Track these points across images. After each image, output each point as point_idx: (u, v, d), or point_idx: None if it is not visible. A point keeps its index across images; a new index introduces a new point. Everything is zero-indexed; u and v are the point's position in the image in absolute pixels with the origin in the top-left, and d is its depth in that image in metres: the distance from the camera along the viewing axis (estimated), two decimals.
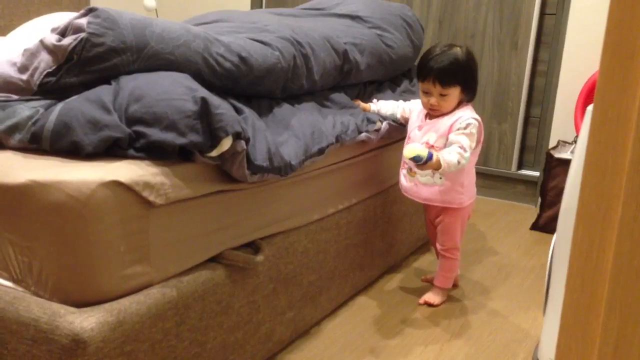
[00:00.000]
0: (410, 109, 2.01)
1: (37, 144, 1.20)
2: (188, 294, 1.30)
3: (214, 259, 1.40)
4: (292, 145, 1.51)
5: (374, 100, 2.06)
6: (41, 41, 1.25)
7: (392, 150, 2.15)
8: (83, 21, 1.24)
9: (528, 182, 3.18)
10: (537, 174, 3.12)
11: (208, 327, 1.38)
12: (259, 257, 1.44)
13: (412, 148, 1.70)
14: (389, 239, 2.22)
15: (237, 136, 1.27)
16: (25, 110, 1.21)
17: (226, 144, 1.24)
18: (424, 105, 1.88)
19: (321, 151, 1.61)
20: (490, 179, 3.28)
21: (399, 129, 2.06)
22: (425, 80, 1.84)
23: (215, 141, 1.23)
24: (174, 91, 1.22)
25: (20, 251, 1.17)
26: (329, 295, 1.89)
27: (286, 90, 1.70)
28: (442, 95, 1.82)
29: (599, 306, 0.68)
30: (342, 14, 2.23)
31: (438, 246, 2.03)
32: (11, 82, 1.26)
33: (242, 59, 1.49)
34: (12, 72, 1.26)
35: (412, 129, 1.93)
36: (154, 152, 1.22)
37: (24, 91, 1.26)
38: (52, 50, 1.24)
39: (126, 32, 1.27)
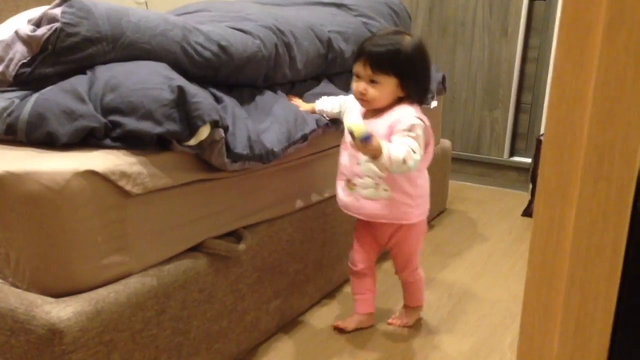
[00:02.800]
0: (347, 107, 1.69)
1: (13, 135, 1.20)
2: (169, 283, 1.30)
3: (196, 248, 1.40)
4: (274, 132, 1.51)
5: (323, 98, 1.80)
6: (16, 32, 1.25)
7: None
8: (57, 11, 1.24)
9: (520, 168, 3.18)
10: (529, 160, 3.11)
11: (191, 316, 1.38)
12: (241, 246, 1.45)
13: (358, 125, 1.41)
14: None
15: (215, 124, 1.27)
16: (0, 101, 1.21)
17: (204, 132, 1.24)
18: (354, 93, 1.58)
19: (304, 137, 1.61)
20: (482, 166, 3.28)
21: None
22: (357, 61, 1.55)
23: (192, 130, 1.22)
24: (150, 80, 1.22)
25: None
26: (317, 284, 1.90)
27: (268, 79, 1.70)
28: (372, 81, 1.53)
29: (560, 283, 0.68)
30: (327, 2, 2.23)
31: (400, 274, 1.77)
32: None
33: (221, 47, 1.49)
34: None
35: (347, 133, 1.60)
36: (131, 142, 1.22)
37: (0, 83, 1.26)
38: (26, 40, 1.23)
39: (101, 22, 1.26)
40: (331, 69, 2.00)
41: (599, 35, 0.62)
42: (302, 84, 1.87)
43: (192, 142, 1.23)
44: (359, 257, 1.75)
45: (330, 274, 1.97)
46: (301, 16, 1.92)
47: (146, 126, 1.20)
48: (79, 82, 1.22)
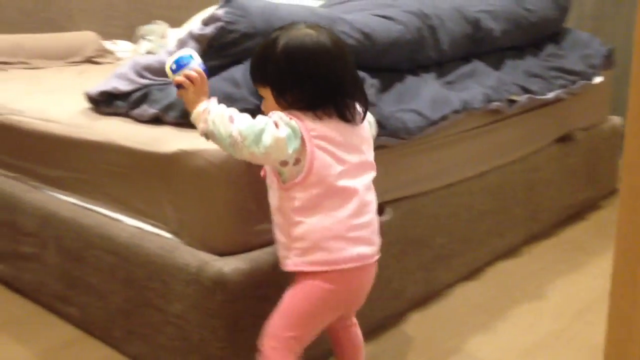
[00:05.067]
0: None
1: (187, 119, 1.42)
2: None
3: None
4: (412, 112, 1.60)
5: None
6: (189, 31, 1.47)
7: (533, 118, 2.13)
8: (221, 12, 1.44)
9: None
10: None
11: None
12: (383, 219, 1.56)
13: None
14: (532, 206, 2.21)
15: None
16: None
17: None
18: None
19: (444, 118, 1.67)
20: None
21: (536, 100, 2.02)
22: None
23: None
24: None
25: (176, 209, 1.41)
26: (464, 259, 1.95)
27: (413, 62, 1.78)
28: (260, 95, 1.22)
29: None
30: None
31: None
32: None
33: (364, 34, 1.60)
34: None
35: None
36: None
37: None
38: (197, 39, 1.45)
39: (256, 19, 1.44)
40: (481, 48, 2.02)
41: None
42: (449, 65, 1.92)
43: None
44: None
45: (478, 250, 2.01)
46: None
47: None
48: (236, 70, 1.42)
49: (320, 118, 1.15)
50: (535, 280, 1.97)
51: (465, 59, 1.99)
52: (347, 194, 1.16)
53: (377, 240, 1.24)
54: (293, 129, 1.11)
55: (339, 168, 1.15)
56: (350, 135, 1.18)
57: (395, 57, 1.71)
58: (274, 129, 1.11)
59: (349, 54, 1.19)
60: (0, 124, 1.86)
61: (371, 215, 1.21)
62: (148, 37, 2.91)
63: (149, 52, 2.76)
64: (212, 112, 1.14)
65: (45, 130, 1.69)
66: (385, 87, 1.67)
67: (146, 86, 1.53)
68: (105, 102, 1.61)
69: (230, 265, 1.31)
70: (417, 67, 1.82)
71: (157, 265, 1.41)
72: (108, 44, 3.07)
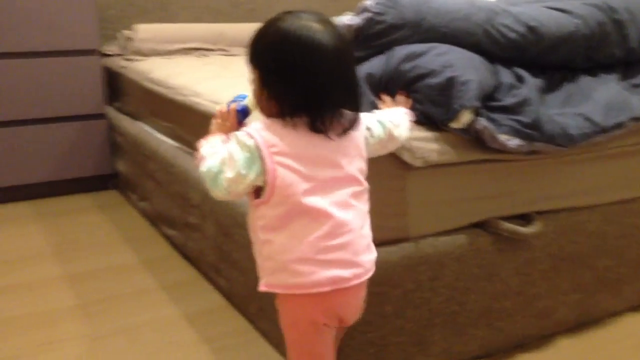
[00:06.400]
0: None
1: None
2: (444, 253, 1.38)
3: (479, 225, 1.44)
4: (578, 116, 1.43)
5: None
6: (339, 22, 1.48)
7: None
8: (370, 2, 1.42)
9: None
10: None
11: (468, 289, 1.44)
12: (527, 230, 1.43)
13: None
14: None
15: (476, 112, 1.29)
16: None
17: (464, 117, 1.26)
18: None
19: (618, 126, 1.47)
20: None
21: None
22: None
23: (451, 114, 1.27)
24: (431, 62, 1.30)
25: None
26: (636, 286, 1.71)
27: (591, 60, 1.59)
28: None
29: None
30: None
31: None
32: None
33: (530, 28, 1.47)
34: None
35: None
36: None
37: None
38: (345, 29, 1.45)
39: (405, 10, 1.40)
40: None
41: None
42: (639, 65, 1.68)
43: (454, 125, 1.28)
44: None
45: None
46: None
47: None
48: (376, 62, 1.39)
49: (288, 126, 1.03)
50: None
51: None
52: (316, 213, 1.03)
53: (362, 261, 1.08)
54: (251, 152, 1.02)
55: (304, 185, 1.03)
56: (323, 147, 1.05)
57: (568, 54, 1.54)
58: (228, 169, 1.03)
59: (351, 58, 1.07)
60: (183, 103, 2.06)
61: (351, 235, 1.06)
62: None
63: None
64: (200, 149, 1.10)
65: (211, 112, 1.83)
66: (551, 87, 1.53)
67: None
68: None
69: None
70: (597, 67, 1.62)
71: None
72: None
